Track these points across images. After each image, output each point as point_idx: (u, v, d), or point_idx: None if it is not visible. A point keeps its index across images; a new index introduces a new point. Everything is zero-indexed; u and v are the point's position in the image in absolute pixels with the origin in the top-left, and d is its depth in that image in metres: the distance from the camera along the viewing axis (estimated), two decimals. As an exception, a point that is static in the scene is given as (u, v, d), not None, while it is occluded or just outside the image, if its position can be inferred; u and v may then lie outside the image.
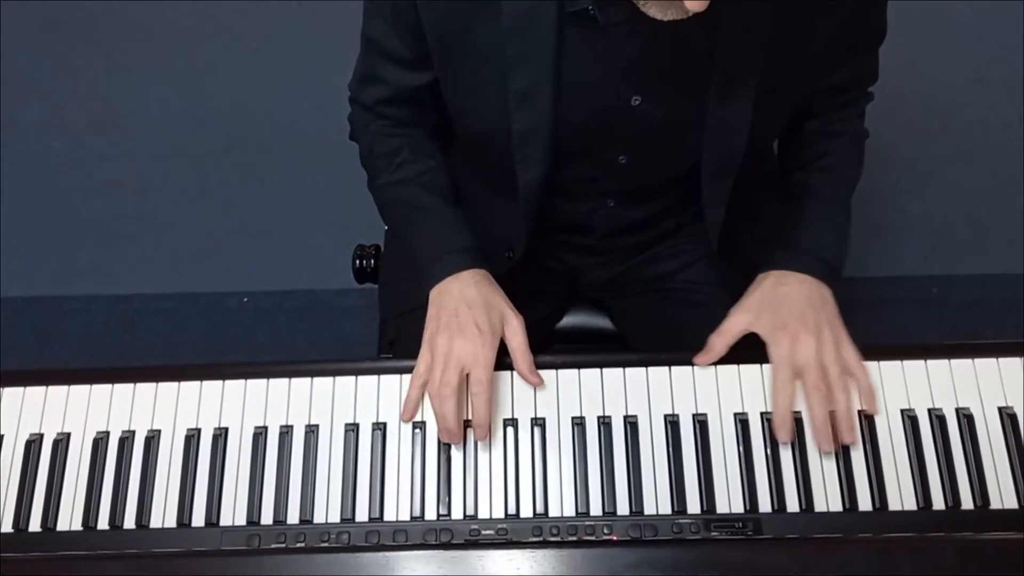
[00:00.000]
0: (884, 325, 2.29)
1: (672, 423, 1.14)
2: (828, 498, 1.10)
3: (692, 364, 1.18)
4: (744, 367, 1.18)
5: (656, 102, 1.17)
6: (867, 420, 1.14)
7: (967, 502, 1.10)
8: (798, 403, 1.14)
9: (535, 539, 1.09)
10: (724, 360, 1.18)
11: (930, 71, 2.59)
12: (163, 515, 1.12)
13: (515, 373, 1.17)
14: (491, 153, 1.25)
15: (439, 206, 1.29)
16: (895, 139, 2.54)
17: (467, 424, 1.15)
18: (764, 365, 1.17)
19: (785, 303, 1.18)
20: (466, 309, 1.18)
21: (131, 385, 1.19)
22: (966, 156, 2.52)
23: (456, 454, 1.14)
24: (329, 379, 1.18)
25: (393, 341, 1.52)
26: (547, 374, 1.18)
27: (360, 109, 1.35)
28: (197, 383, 1.19)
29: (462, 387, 1.14)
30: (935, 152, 2.53)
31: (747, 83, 1.12)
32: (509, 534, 1.09)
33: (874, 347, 1.19)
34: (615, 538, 1.09)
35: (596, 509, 1.10)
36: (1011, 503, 1.10)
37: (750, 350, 1.17)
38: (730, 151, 1.20)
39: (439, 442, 1.14)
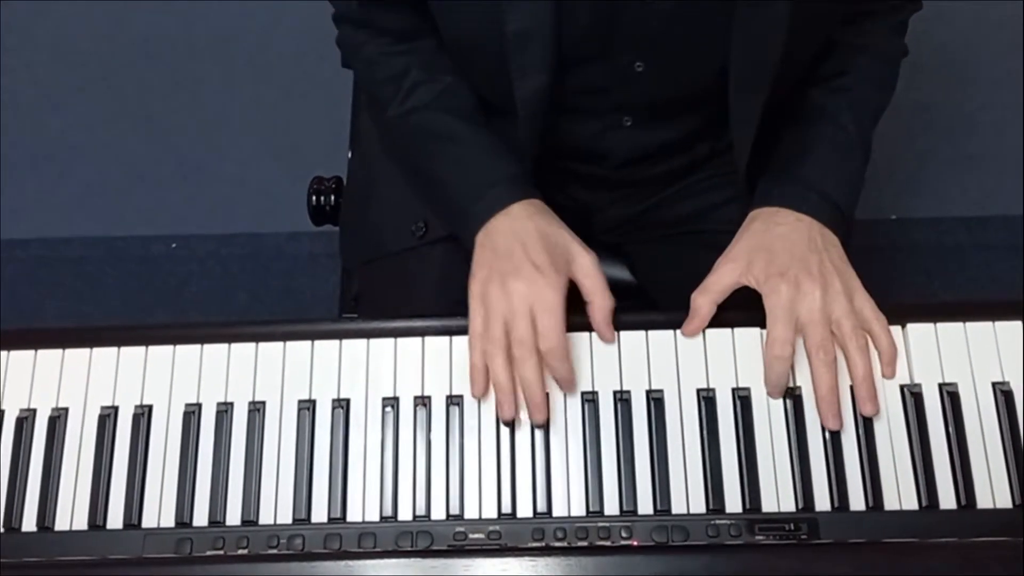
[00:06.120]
0: (971, 275, 2.30)
1: (707, 399, 1.14)
2: (901, 493, 1.10)
3: (731, 326, 1.18)
4: (799, 331, 1.17)
5: None
6: (950, 397, 1.13)
7: (1077, 498, 1.10)
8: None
9: (535, 544, 1.09)
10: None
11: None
12: (71, 515, 1.11)
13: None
14: (483, 63, 1.25)
15: (469, 131, 1.29)
16: (981, 49, 2.52)
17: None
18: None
19: (782, 245, 1.19)
20: (520, 247, 1.17)
21: (31, 352, 1.18)
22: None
23: (437, 440, 1.14)
24: (278, 344, 1.18)
25: (358, 297, 1.51)
26: (551, 339, 1.17)
27: (350, 29, 1.34)
28: (114, 349, 1.18)
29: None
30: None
31: None
32: (503, 538, 1.09)
33: (953, 303, 1.20)
34: (635, 543, 1.08)
35: (612, 507, 1.10)
36: None
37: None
38: (764, 56, 1.20)
39: (416, 425, 1.14)
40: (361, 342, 1.18)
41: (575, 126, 1.34)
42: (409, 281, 1.36)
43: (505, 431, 1.14)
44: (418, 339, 1.18)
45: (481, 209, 1.22)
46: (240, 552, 1.09)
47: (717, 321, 1.17)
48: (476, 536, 1.09)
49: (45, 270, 2.38)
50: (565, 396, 1.15)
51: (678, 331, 1.18)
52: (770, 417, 1.14)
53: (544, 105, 1.24)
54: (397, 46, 1.32)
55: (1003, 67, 2.50)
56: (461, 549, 1.08)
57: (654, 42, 1.22)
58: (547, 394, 1.13)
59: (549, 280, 1.14)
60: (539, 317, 1.13)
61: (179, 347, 1.18)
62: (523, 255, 1.16)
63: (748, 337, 1.17)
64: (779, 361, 1.13)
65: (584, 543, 1.08)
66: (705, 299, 1.17)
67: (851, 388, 1.13)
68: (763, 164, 1.31)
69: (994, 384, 1.14)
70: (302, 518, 1.10)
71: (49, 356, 1.18)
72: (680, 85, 1.28)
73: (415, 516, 1.10)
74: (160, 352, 1.18)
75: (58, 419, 1.15)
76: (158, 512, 1.11)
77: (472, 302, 1.16)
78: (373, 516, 1.11)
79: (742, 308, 1.18)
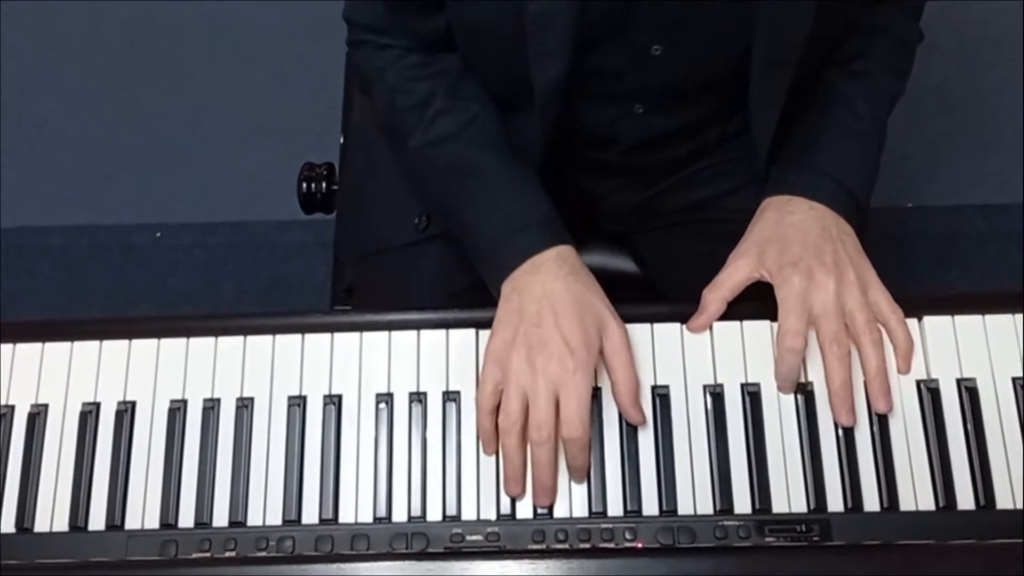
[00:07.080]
0: (990, 265, 2.30)
1: (715, 395, 1.14)
2: (917, 493, 1.10)
3: (740, 319, 1.17)
4: (809, 323, 1.17)
5: None
6: (968, 392, 1.13)
7: (1100, 498, 1.10)
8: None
9: (536, 546, 1.08)
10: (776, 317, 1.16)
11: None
12: (51, 515, 1.11)
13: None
14: (499, 50, 1.24)
15: (496, 165, 1.27)
16: (998, 33, 2.52)
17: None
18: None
19: (795, 234, 1.19)
20: (551, 316, 1.14)
21: (10, 346, 1.18)
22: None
23: (434, 438, 1.13)
24: (267, 337, 1.18)
25: (352, 288, 1.51)
26: (552, 332, 1.17)
27: (370, 51, 1.33)
28: (96, 343, 1.18)
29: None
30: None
31: None
32: (502, 540, 1.09)
33: (971, 295, 1.20)
34: (640, 545, 1.08)
35: (615, 508, 1.10)
36: None
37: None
38: (790, 39, 1.19)
39: (411, 421, 1.14)
40: (354, 335, 1.18)
41: (588, 112, 1.33)
42: (406, 277, 1.35)
43: (504, 428, 1.13)
44: (413, 332, 1.17)
45: (508, 256, 1.19)
46: (227, 554, 1.08)
47: (726, 314, 1.17)
48: (474, 538, 1.09)
49: (23, 261, 2.37)
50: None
51: (686, 324, 1.17)
52: (781, 413, 1.13)
53: (561, 90, 1.23)
54: (420, 70, 1.30)
55: (1021, 51, 2.50)
56: (458, 551, 1.08)
57: (673, 25, 1.21)
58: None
59: (580, 362, 1.11)
60: (565, 403, 1.09)
61: (164, 340, 1.17)
62: (553, 326, 1.13)
63: (758, 330, 1.17)
64: (791, 354, 1.12)
65: (587, 545, 1.08)
66: (715, 295, 1.17)
67: (864, 384, 1.13)
68: (778, 151, 1.31)
69: (1014, 379, 1.14)
70: (292, 519, 1.10)
71: (28, 350, 1.18)
72: (697, 69, 1.28)
73: (410, 517, 1.10)
74: (144, 346, 1.17)
75: (37, 416, 1.14)
76: (142, 513, 1.11)
77: (488, 360, 1.13)
78: (366, 517, 1.10)
79: (752, 300, 1.17)
